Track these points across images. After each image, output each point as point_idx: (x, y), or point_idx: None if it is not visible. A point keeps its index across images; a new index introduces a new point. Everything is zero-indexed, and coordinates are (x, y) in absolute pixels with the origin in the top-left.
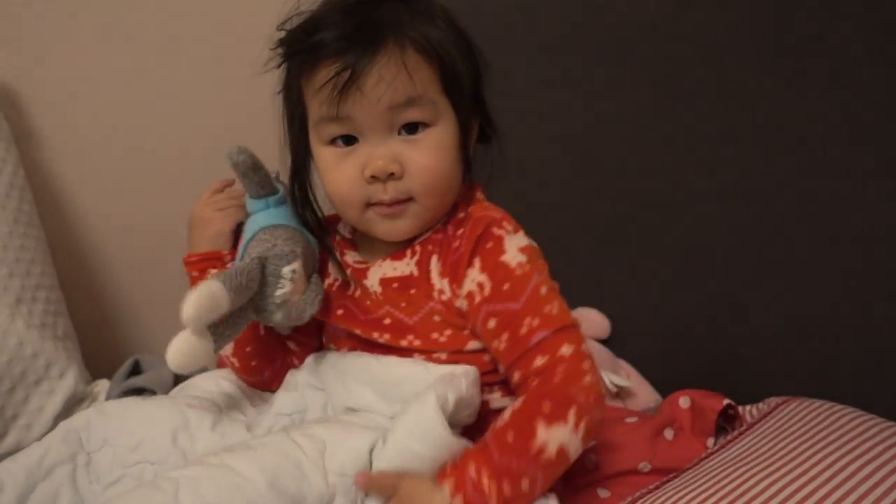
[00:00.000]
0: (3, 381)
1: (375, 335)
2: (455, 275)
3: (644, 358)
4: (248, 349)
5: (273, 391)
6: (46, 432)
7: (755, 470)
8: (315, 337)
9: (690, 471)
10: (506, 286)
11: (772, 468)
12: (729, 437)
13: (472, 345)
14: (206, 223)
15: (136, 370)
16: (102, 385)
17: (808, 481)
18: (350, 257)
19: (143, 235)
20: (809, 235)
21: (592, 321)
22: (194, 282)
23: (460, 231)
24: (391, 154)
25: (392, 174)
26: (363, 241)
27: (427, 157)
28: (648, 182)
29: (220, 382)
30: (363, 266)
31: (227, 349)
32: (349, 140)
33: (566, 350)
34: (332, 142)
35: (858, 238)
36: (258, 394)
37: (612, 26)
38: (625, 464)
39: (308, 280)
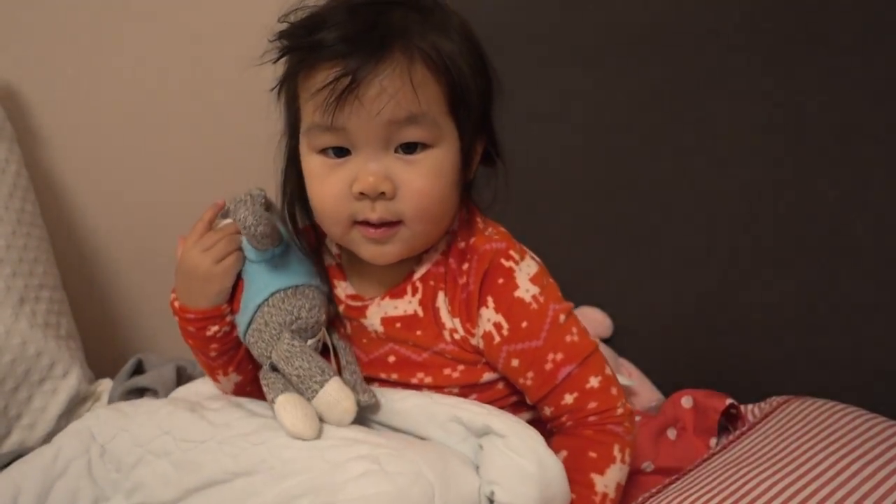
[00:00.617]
0: (7, 380)
1: (383, 375)
2: (468, 314)
3: (646, 357)
4: (248, 389)
5: None
6: (49, 431)
7: (758, 470)
8: None
9: (693, 472)
10: (524, 324)
11: (774, 468)
12: (731, 438)
13: (487, 377)
14: (206, 280)
15: (138, 370)
16: (105, 384)
17: (811, 481)
18: (342, 290)
19: (146, 235)
20: (810, 235)
21: (594, 320)
22: (188, 335)
23: (465, 266)
24: (384, 171)
25: (383, 193)
26: (352, 267)
27: (423, 180)
28: (650, 181)
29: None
30: (360, 304)
31: (228, 389)
32: (341, 151)
33: (594, 382)
34: (323, 151)
35: (860, 237)
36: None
37: (613, 26)
38: None
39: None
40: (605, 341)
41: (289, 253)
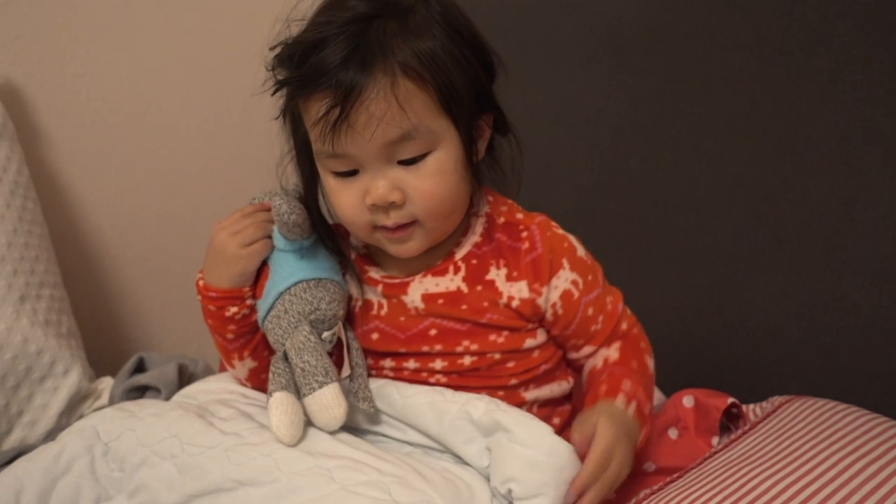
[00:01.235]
0: (8, 378)
1: (425, 349)
2: (537, 275)
3: None
4: (262, 377)
5: None
6: (51, 429)
7: (759, 470)
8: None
9: (694, 470)
10: (590, 277)
11: (776, 468)
12: (733, 437)
13: (529, 343)
14: (231, 261)
15: (140, 368)
16: (106, 382)
17: (812, 481)
18: (375, 273)
19: (147, 233)
20: (812, 234)
21: None
22: (209, 314)
23: (524, 234)
24: (391, 183)
25: (393, 202)
26: (382, 256)
27: (429, 182)
28: (651, 181)
29: (230, 387)
30: (398, 281)
31: (242, 374)
32: (350, 171)
33: (629, 310)
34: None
35: (861, 237)
36: None
37: (613, 26)
38: None
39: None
40: None
41: (316, 247)
